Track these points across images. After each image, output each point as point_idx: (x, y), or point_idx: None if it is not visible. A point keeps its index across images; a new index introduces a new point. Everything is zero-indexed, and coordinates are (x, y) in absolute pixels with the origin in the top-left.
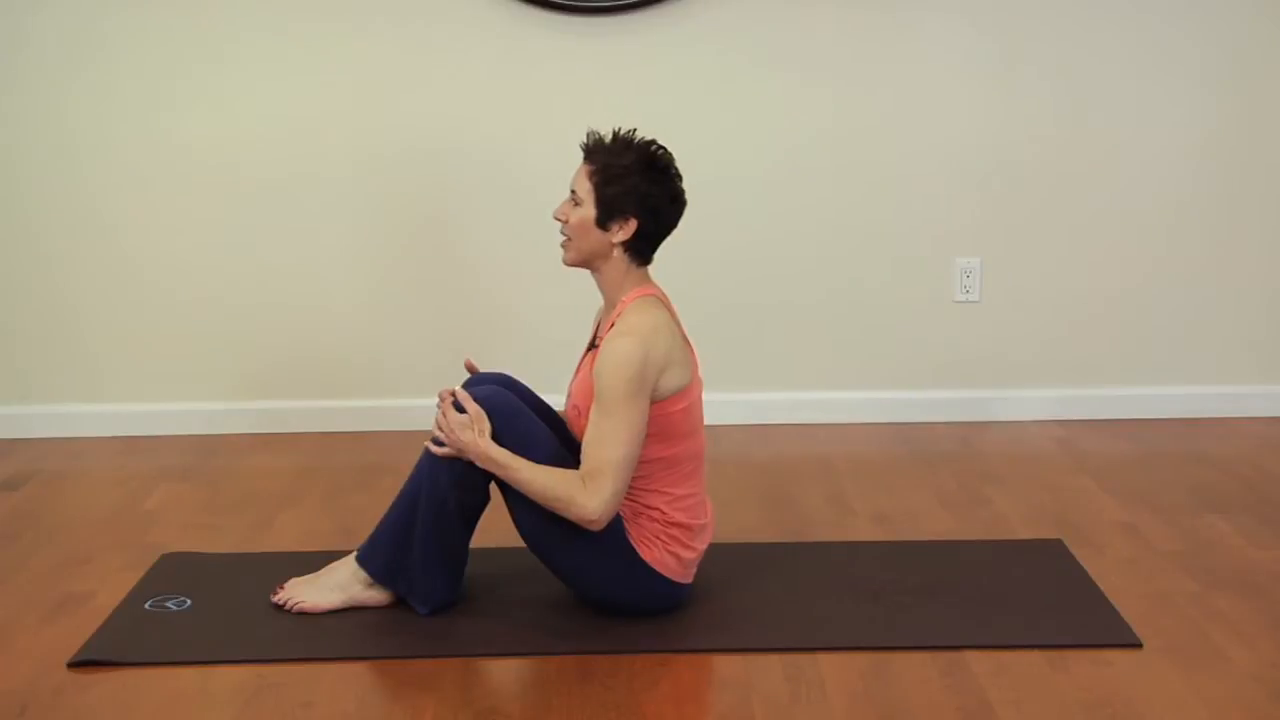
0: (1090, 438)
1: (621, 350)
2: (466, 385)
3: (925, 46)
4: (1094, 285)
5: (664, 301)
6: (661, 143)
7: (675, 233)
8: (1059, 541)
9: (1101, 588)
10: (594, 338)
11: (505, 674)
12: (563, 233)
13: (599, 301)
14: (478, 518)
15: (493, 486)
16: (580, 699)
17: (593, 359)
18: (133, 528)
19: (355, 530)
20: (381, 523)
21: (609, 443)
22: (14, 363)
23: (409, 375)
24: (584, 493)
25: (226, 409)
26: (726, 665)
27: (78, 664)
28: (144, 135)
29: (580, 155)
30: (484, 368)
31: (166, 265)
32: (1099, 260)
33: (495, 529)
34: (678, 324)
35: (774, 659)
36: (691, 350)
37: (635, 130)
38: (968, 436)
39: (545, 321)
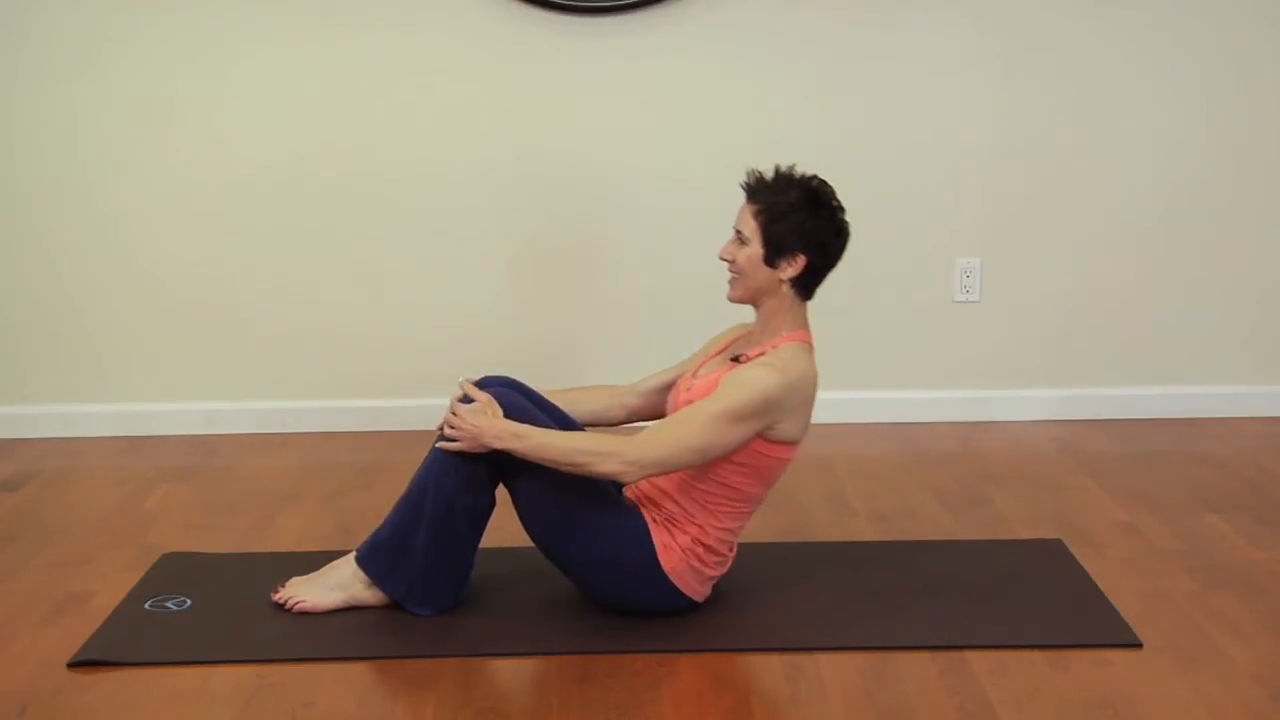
0: (1090, 438)
1: (761, 379)
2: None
3: (925, 47)
4: (1094, 285)
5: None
6: (823, 177)
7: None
8: (1059, 541)
9: (1101, 588)
10: (724, 349)
11: (505, 674)
12: (730, 271)
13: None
14: (485, 522)
15: (499, 492)
16: (580, 699)
17: (728, 369)
18: (133, 528)
19: (355, 530)
20: (384, 524)
21: (686, 429)
22: (14, 362)
23: (409, 375)
24: (626, 444)
25: (226, 409)
26: (726, 665)
27: (78, 664)
28: (144, 135)
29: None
30: (485, 371)
31: (167, 265)
32: (1099, 260)
33: (494, 529)
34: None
35: (774, 659)
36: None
37: (795, 166)
38: (968, 436)
39: (540, 321)
